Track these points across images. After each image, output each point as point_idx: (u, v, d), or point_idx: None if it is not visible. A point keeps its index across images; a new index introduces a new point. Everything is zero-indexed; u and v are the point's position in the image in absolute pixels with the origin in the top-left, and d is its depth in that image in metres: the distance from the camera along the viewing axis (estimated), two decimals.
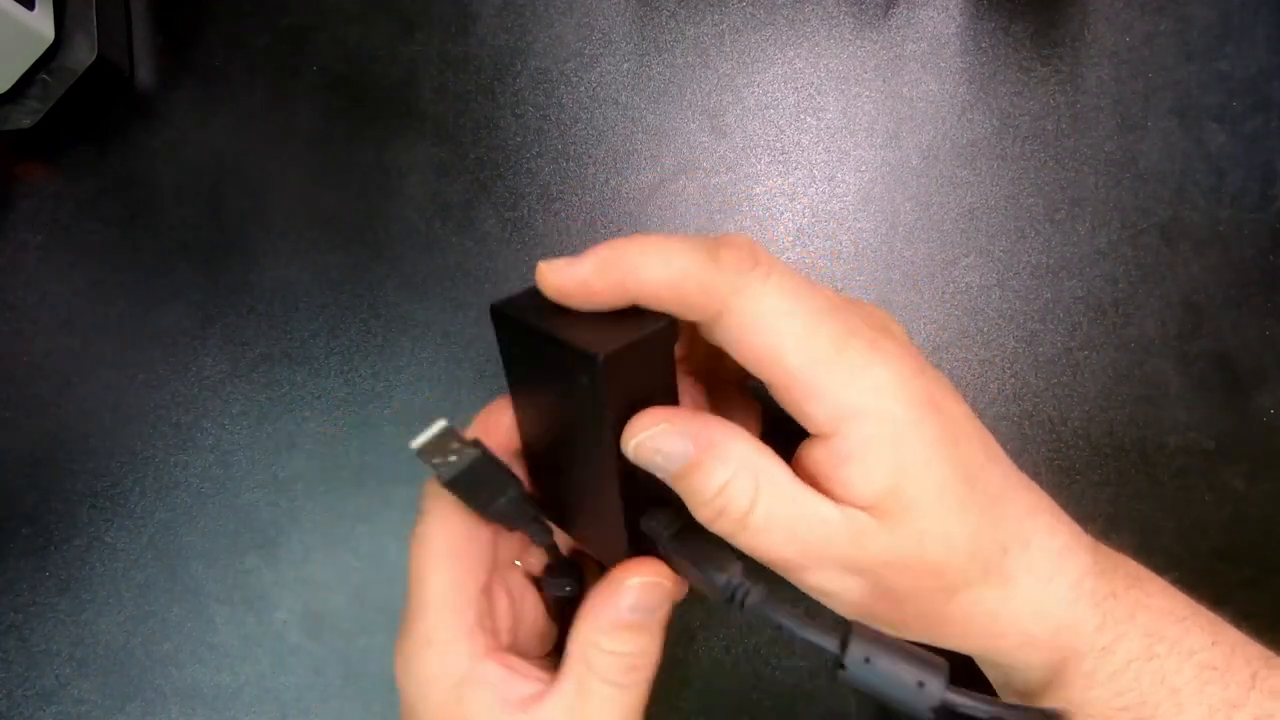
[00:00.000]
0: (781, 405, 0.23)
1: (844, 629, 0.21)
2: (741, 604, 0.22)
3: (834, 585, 0.23)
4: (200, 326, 0.36)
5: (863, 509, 0.22)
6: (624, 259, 0.22)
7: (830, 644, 0.21)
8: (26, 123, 0.35)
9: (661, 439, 0.22)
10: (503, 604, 0.27)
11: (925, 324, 0.35)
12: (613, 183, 0.36)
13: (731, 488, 0.22)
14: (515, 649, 0.27)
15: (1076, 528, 0.26)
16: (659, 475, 0.23)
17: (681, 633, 0.34)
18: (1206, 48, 0.35)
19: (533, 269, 0.36)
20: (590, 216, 0.36)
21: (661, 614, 0.25)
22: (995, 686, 0.28)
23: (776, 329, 0.22)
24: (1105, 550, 0.26)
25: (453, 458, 0.23)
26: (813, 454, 0.23)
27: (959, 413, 0.24)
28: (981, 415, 0.26)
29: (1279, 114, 0.35)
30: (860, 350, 0.22)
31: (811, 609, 0.22)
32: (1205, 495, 0.33)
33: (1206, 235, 0.35)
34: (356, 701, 0.34)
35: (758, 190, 0.36)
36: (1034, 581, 0.24)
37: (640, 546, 0.25)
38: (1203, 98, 0.35)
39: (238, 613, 0.35)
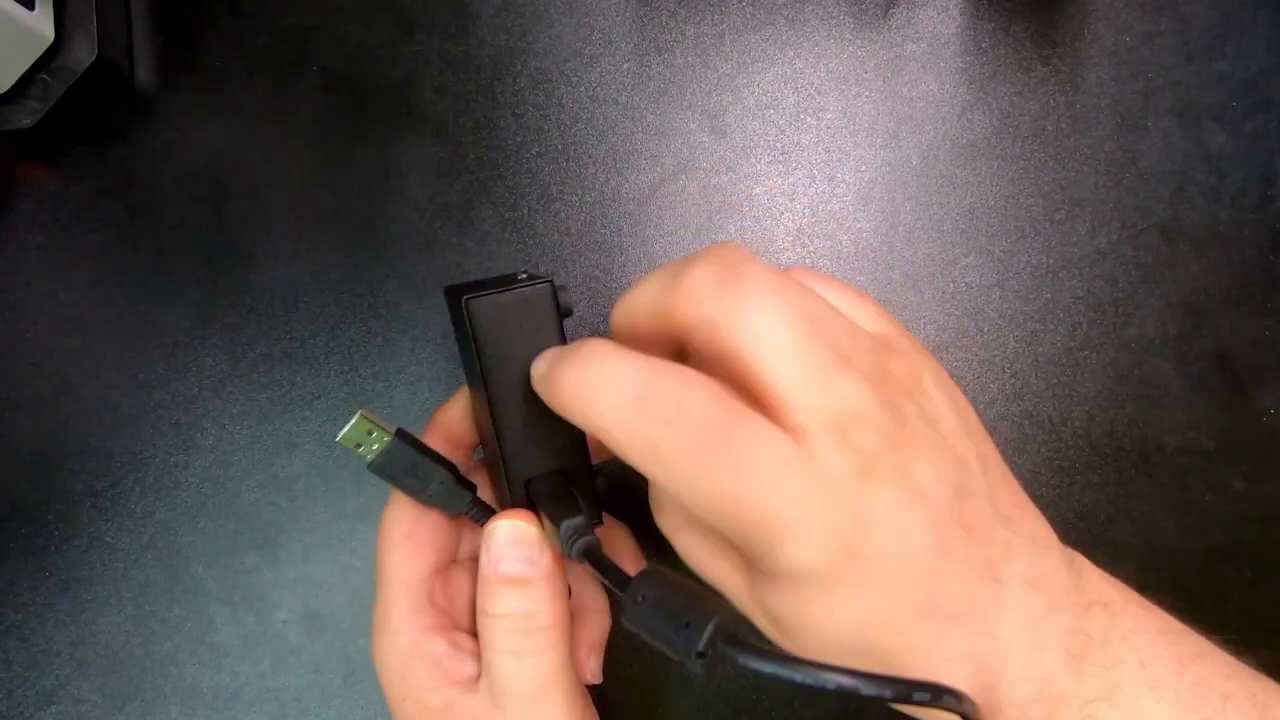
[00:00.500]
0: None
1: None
2: (570, 549, 0.23)
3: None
4: (200, 326, 0.36)
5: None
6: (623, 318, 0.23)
7: (615, 584, 0.21)
8: (26, 123, 0.35)
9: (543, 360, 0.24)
10: (465, 587, 0.28)
11: (925, 324, 0.35)
12: (613, 183, 0.36)
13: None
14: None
15: (1053, 556, 0.24)
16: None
17: None
18: (1206, 48, 0.35)
19: (533, 269, 0.36)
20: (590, 216, 0.36)
21: (543, 566, 0.24)
22: None
23: (755, 346, 0.21)
24: (1077, 588, 0.24)
25: (375, 445, 0.26)
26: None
27: (883, 542, 0.21)
28: (981, 415, 0.26)
29: (1279, 114, 0.35)
30: (842, 385, 0.21)
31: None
32: (1205, 495, 0.33)
33: (1206, 235, 0.35)
34: (356, 701, 0.34)
35: (758, 190, 0.36)
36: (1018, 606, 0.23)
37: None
38: (1203, 98, 0.35)
39: (238, 613, 0.35)
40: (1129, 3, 0.36)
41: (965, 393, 0.34)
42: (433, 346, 0.36)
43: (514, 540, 0.25)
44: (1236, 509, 0.33)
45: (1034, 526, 0.25)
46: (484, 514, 0.27)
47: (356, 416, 0.25)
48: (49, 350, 0.37)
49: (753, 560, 0.21)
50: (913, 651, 0.21)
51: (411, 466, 0.26)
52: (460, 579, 0.28)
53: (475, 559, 0.28)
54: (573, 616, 0.28)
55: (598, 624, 0.30)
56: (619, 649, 0.34)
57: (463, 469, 0.28)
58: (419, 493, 0.27)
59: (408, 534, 0.27)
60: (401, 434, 0.26)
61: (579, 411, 0.21)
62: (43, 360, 0.36)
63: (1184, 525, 0.33)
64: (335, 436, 0.25)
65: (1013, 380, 0.34)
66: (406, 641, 0.26)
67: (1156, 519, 0.33)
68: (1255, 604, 0.26)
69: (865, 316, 0.25)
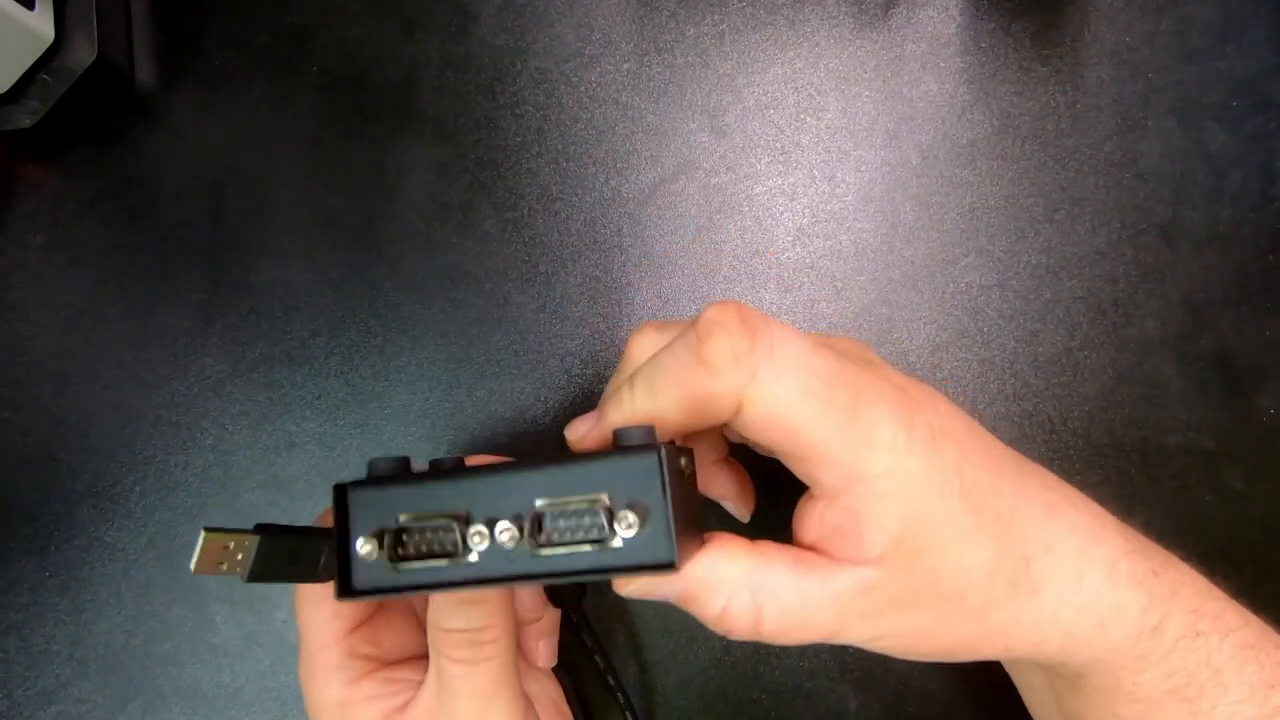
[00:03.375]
0: (792, 470, 0.24)
1: None
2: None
3: (860, 638, 0.24)
4: (200, 326, 0.36)
5: (873, 564, 0.22)
6: (628, 407, 0.23)
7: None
8: (26, 123, 0.35)
9: (647, 589, 0.23)
10: (394, 626, 0.29)
11: (925, 324, 0.35)
12: (613, 183, 0.36)
13: (731, 611, 0.22)
14: (417, 663, 0.28)
15: (1099, 509, 0.25)
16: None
17: (681, 632, 0.34)
18: (1206, 48, 0.35)
19: (533, 269, 0.36)
20: (590, 216, 0.36)
21: None
22: (1036, 687, 0.28)
23: (795, 411, 0.22)
24: (1134, 531, 0.26)
25: (239, 555, 0.23)
26: (822, 513, 0.23)
27: (957, 431, 0.24)
28: (981, 415, 0.26)
29: (1279, 114, 0.35)
30: (868, 413, 0.22)
31: None
32: (1205, 495, 0.33)
33: (1206, 235, 0.35)
34: None
35: (758, 190, 0.36)
36: (1065, 584, 0.24)
37: None
38: (1203, 98, 0.35)
39: (238, 613, 0.35)
40: (1129, 3, 0.36)
41: (965, 393, 0.34)
42: (433, 346, 0.36)
43: None
44: (1236, 509, 0.33)
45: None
46: None
47: (201, 536, 0.22)
48: (49, 350, 0.37)
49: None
50: (1014, 510, 0.23)
51: (291, 554, 0.24)
52: (389, 620, 0.29)
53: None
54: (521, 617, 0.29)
55: (547, 617, 0.31)
56: (619, 650, 0.34)
57: None
58: (313, 574, 0.24)
59: (320, 599, 0.27)
60: (262, 528, 0.23)
61: None
62: (43, 360, 0.36)
63: (1184, 525, 0.33)
64: (190, 567, 0.22)
65: (1013, 380, 0.34)
66: (335, 695, 0.27)
67: (1156, 519, 0.33)
68: (1255, 604, 0.26)
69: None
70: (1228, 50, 0.35)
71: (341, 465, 0.35)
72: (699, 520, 0.23)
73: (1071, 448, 0.34)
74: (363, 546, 0.21)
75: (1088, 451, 0.34)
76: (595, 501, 0.20)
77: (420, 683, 0.27)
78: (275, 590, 0.35)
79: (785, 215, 0.36)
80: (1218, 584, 0.26)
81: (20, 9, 0.33)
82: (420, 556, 0.21)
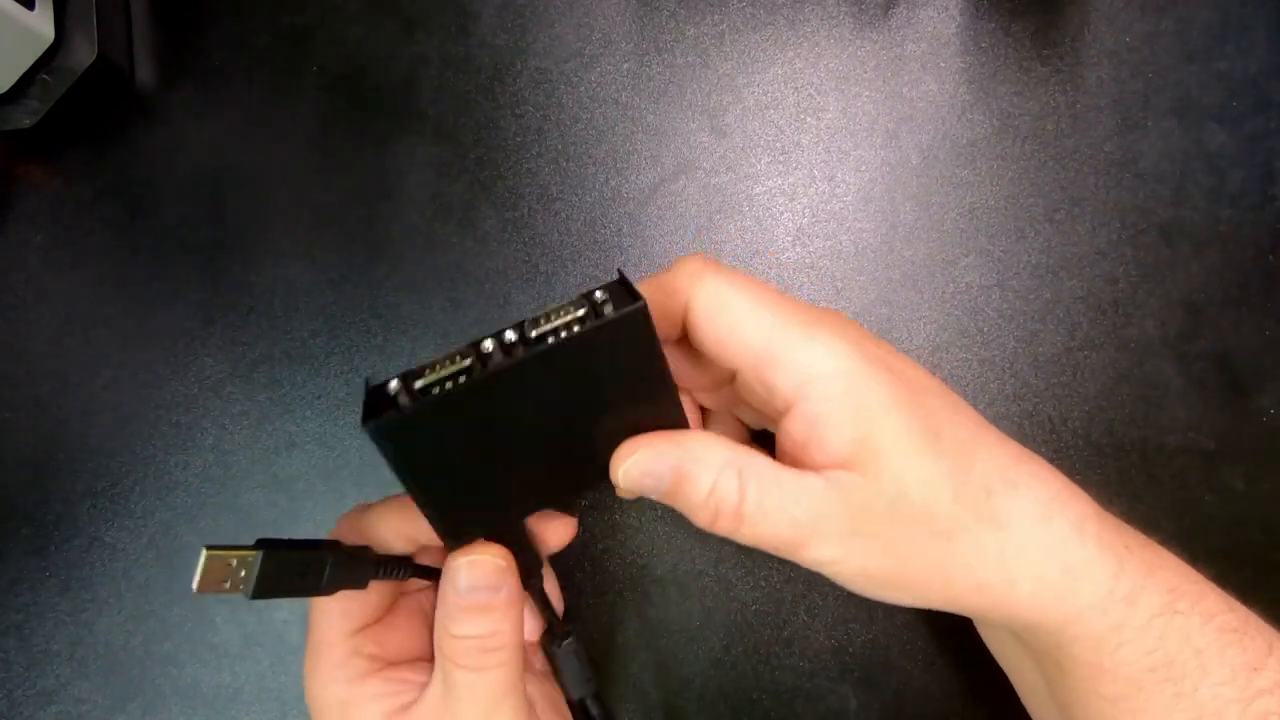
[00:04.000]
0: (754, 392, 0.25)
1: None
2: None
3: (833, 553, 0.24)
4: (200, 326, 0.36)
5: (841, 467, 0.23)
6: None
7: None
8: (26, 123, 0.35)
9: (644, 463, 0.24)
10: (400, 628, 0.28)
11: (925, 324, 0.35)
12: (613, 183, 0.36)
13: (719, 488, 0.23)
14: (422, 664, 0.28)
15: (1075, 486, 0.26)
16: (654, 497, 0.24)
17: (681, 632, 0.34)
18: (1206, 48, 0.35)
19: (533, 269, 0.36)
20: (590, 216, 0.36)
21: (506, 593, 0.25)
22: (1030, 680, 0.28)
23: (730, 309, 0.24)
24: (1108, 512, 0.26)
25: (243, 571, 0.22)
26: (788, 431, 0.24)
27: (913, 373, 0.25)
28: (981, 415, 0.26)
29: (1279, 114, 0.35)
30: (805, 321, 0.24)
31: None
32: (1205, 495, 0.33)
33: (1206, 235, 0.35)
34: None
35: (758, 190, 0.36)
36: (1029, 521, 0.24)
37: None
38: (1203, 98, 0.35)
39: (238, 613, 0.35)
40: (1129, 3, 0.36)
41: (965, 393, 0.34)
42: (433, 346, 0.36)
43: (478, 569, 0.26)
44: (1236, 509, 0.33)
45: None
46: (398, 568, 0.26)
47: (203, 556, 0.22)
48: (49, 350, 0.37)
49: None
50: (974, 440, 0.24)
51: (296, 568, 0.23)
52: (394, 620, 0.29)
53: (410, 593, 0.30)
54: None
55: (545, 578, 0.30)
56: (619, 650, 0.34)
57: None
58: (316, 588, 0.24)
59: (331, 597, 0.27)
60: (265, 543, 0.23)
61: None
62: (43, 360, 0.36)
63: (1184, 525, 0.33)
64: (193, 587, 0.22)
65: (1013, 380, 0.34)
66: (337, 693, 0.27)
67: (1156, 519, 0.33)
68: (1255, 604, 0.26)
69: None
70: (1228, 50, 0.35)
71: (341, 465, 0.35)
72: (668, 377, 0.24)
73: (1071, 448, 0.34)
74: (390, 384, 0.22)
75: (1088, 451, 0.34)
76: (583, 298, 0.22)
77: (424, 684, 0.27)
78: None
79: (785, 215, 0.36)
80: (1217, 584, 0.26)
81: (20, 9, 0.33)
82: (437, 381, 0.22)
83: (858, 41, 0.36)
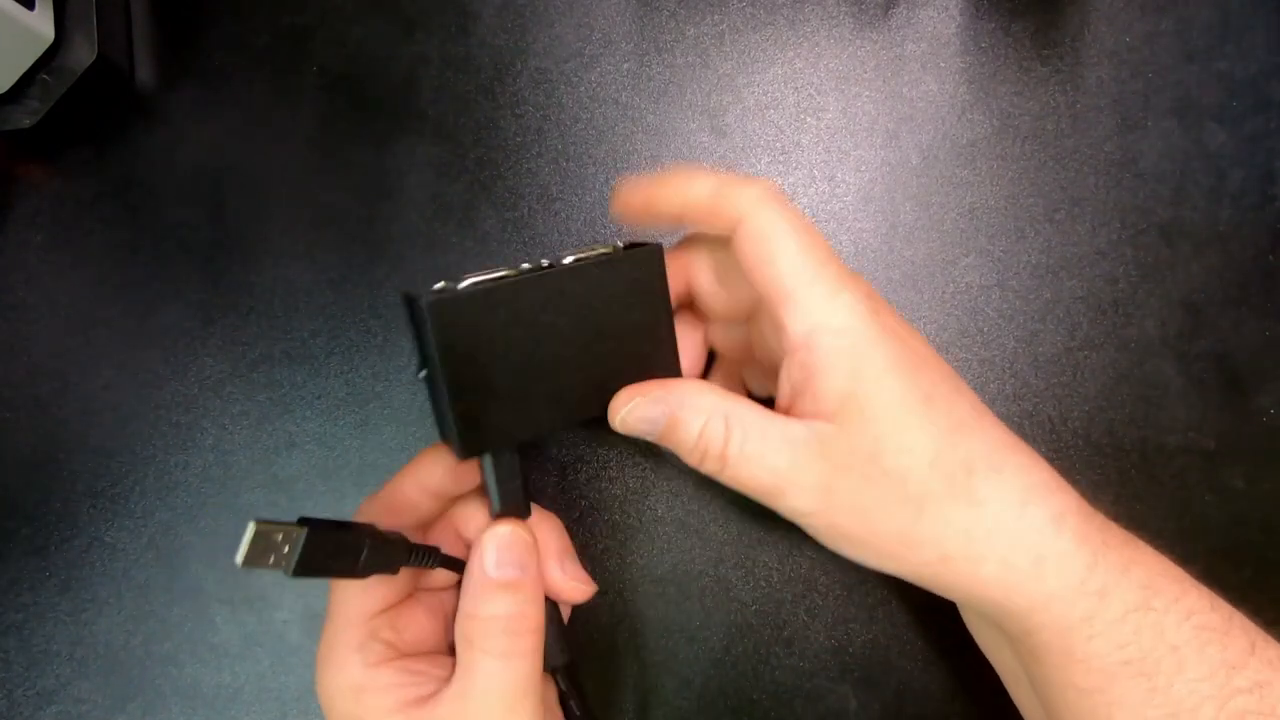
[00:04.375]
0: (766, 331, 0.27)
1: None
2: None
3: (808, 504, 0.25)
4: (200, 326, 0.36)
5: (826, 419, 0.24)
6: (673, 184, 0.27)
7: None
8: (26, 123, 0.35)
9: (641, 409, 0.26)
10: (417, 618, 0.28)
11: (925, 324, 0.35)
12: (613, 183, 0.36)
13: (707, 431, 0.25)
14: (437, 658, 0.28)
15: (1063, 481, 0.26)
16: (648, 439, 0.26)
17: (681, 633, 0.34)
18: (1206, 48, 0.35)
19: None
20: (590, 216, 0.36)
21: (533, 573, 0.26)
22: (1011, 667, 0.28)
23: (775, 241, 0.25)
24: (1095, 510, 0.26)
25: (286, 548, 0.23)
26: (787, 375, 0.25)
27: (922, 348, 0.25)
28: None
29: (1279, 114, 0.35)
30: (836, 275, 0.25)
31: None
32: (1205, 495, 0.33)
33: (1206, 235, 0.35)
34: None
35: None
36: (1006, 506, 0.24)
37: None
38: (1203, 98, 0.35)
39: (238, 613, 0.35)
40: (1129, 3, 0.36)
41: None
42: None
43: (507, 546, 0.26)
44: (1236, 509, 0.33)
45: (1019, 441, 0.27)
46: (427, 557, 0.27)
47: (250, 528, 0.22)
48: (49, 350, 0.37)
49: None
50: (965, 423, 0.25)
51: (335, 548, 0.24)
52: (412, 611, 0.28)
53: (430, 590, 0.29)
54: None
55: (555, 535, 0.30)
56: (619, 649, 0.34)
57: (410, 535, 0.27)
58: (353, 570, 0.25)
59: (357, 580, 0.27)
60: (307, 521, 0.23)
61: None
62: (43, 360, 0.36)
63: (1184, 525, 0.33)
64: (237, 560, 0.22)
65: (1013, 380, 0.34)
66: (352, 677, 0.26)
67: (1156, 519, 0.33)
68: (1255, 604, 0.26)
69: None
70: (1228, 50, 0.35)
71: (341, 465, 0.35)
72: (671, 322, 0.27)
73: (1071, 448, 0.34)
74: (436, 284, 0.25)
75: (1088, 451, 0.34)
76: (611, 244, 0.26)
77: (440, 678, 0.26)
78: (275, 590, 0.35)
79: None
80: (1218, 584, 0.26)
81: (20, 9, 0.33)
82: (480, 280, 0.25)
83: (858, 41, 0.36)
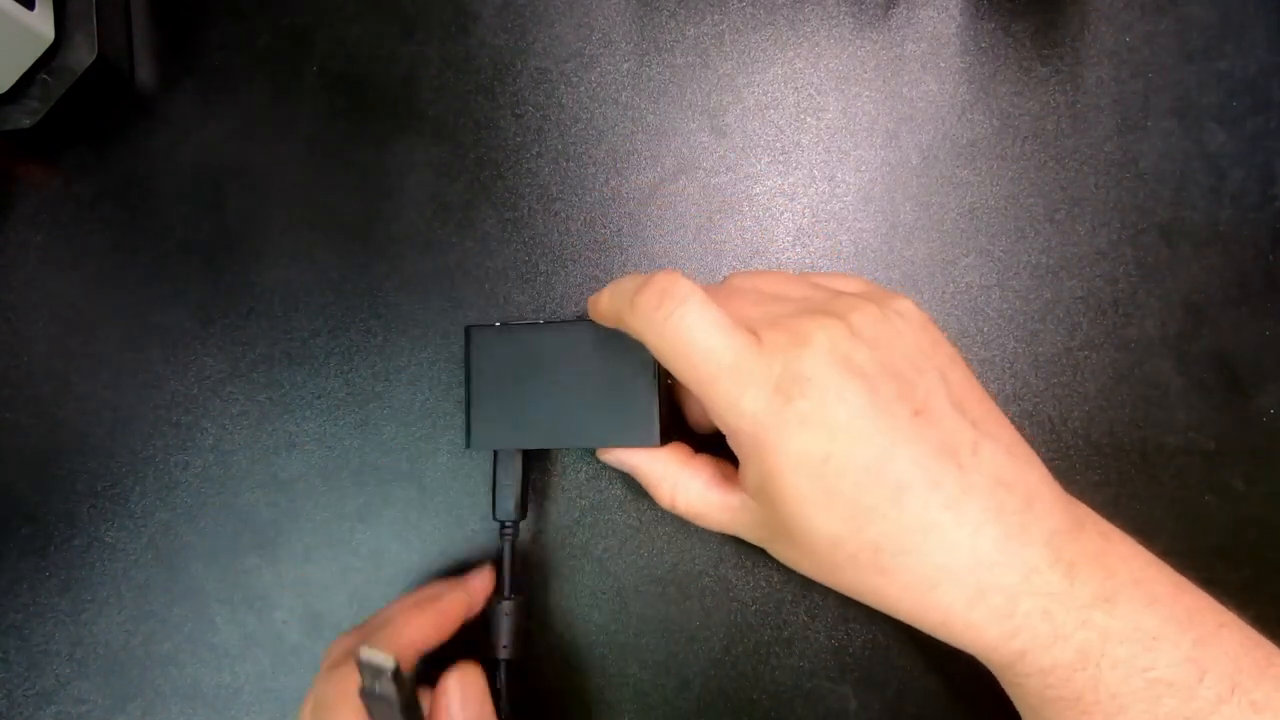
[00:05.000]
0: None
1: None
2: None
3: (761, 544, 0.29)
4: (200, 326, 0.36)
5: (751, 493, 0.28)
6: (600, 304, 0.29)
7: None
8: (26, 123, 0.35)
9: (614, 464, 0.32)
10: None
11: None
12: (613, 183, 0.36)
13: (659, 491, 0.30)
14: None
15: (1015, 534, 0.25)
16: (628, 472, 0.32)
17: (681, 633, 0.34)
18: (1206, 48, 0.35)
19: (533, 269, 0.36)
20: (590, 216, 0.36)
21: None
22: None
23: (667, 353, 0.26)
24: (1067, 536, 0.25)
25: (378, 687, 0.25)
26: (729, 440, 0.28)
27: (850, 423, 0.25)
28: (959, 422, 0.26)
29: (1279, 114, 0.35)
30: (734, 367, 0.26)
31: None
32: (1205, 495, 0.33)
33: (1206, 235, 0.35)
34: None
35: (758, 190, 0.36)
36: (915, 581, 0.25)
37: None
38: (1203, 98, 0.35)
39: (238, 613, 0.35)
40: (1129, 3, 0.36)
41: None
42: (433, 347, 0.36)
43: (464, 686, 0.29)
44: (1236, 509, 0.33)
45: (1013, 441, 0.27)
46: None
47: (390, 666, 0.24)
48: (49, 350, 0.37)
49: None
50: (875, 509, 0.25)
51: (389, 711, 0.25)
52: None
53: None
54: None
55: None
56: (618, 650, 0.34)
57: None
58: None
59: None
60: (402, 690, 0.25)
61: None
62: (43, 360, 0.37)
63: (1184, 525, 0.33)
64: (361, 653, 0.24)
65: (1013, 380, 0.34)
66: None
67: (1156, 519, 0.33)
68: (1255, 604, 0.26)
69: (840, 284, 0.31)
70: (1228, 50, 0.35)
71: (341, 465, 0.35)
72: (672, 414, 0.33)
73: (1071, 448, 0.34)
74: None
75: (1088, 451, 0.34)
76: None
77: None
78: (275, 590, 0.35)
79: (785, 215, 0.36)
80: (1218, 584, 0.26)
81: (20, 9, 0.33)
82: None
83: (858, 41, 0.36)
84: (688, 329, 0.26)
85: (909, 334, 0.27)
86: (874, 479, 0.25)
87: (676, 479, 0.30)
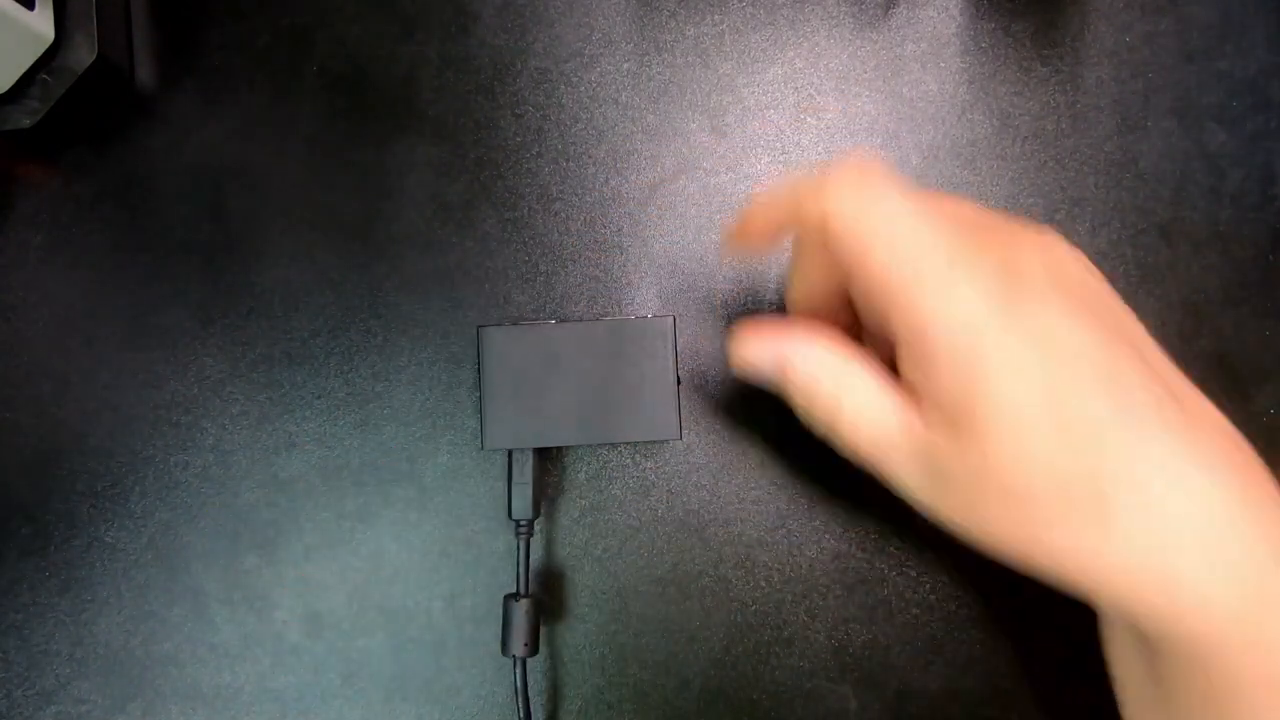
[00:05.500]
0: (874, 312, 0.24)
1: None
2: None
3: (910, 486, 0.24)
4: (200, 326, 0.36)
5: (934, 427, 0.22)
6: (760, 203, 0.26)
7: None
8: (26, 123, 0.35)
9: (750, 348, 0.26)
10: None
11: None
12: (613, 183, 0.36)
13: (817, 388, 0.24)
14: None
15: (1255, 492, 0.22)
16: (766, 385, 0.26)
17: (681, 632, 0.34)
18: (1206, 48, 0.35)
19: (533, 269, 0.36)
20: (590, 216, 0.36)
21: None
22: (1127, 669, 0.26)
23: (865, 239, 0.23)
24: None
25: None
26: (902, 363, 0.23)
27: (1074, 339, 0.22)
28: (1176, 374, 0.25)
29: (1279, 114, 0.35)
30: (948, 261, 0.22)
31: None
32: None
33: (1206, 235, 0.35)
34: (356, 701, 0.34)
35: (758, 190, 0.36)
36: (1148, 536, 0.21)
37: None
38: (1203, 98, 0.35)
39: (238, 613, 0.35)
40: (1129, 3, 0.36)
41: None
42: (433, 347, 0.36)
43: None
44: None
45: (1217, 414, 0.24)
46: None
47: None
48: (49, 350, 0.37)
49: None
50: (1106, 441, 0.21)
51: None
52: None
53: None
54: None
55: None
56: (619, 650, 0.34)
57: None
58: None
59: None
60: None
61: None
62: (43, 360, 0.36)
63: None
64: None
65: None
66: None
67: None
68: None
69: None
70: (1228, 50, 0.35)
71: (341, 465, 0.35)
72: None
73: None
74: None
75: None
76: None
77: None
78: (275, 590, 0.35)
79: None
80: None
81: (20, 9, 0.33)
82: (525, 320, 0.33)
83: (858, 41, 0.36)
84: (893, 214, 0.22)
85: (1100, 281, 0.25)
86: (1107, 403, 0.21)
87: (840, 375, 0.24)
